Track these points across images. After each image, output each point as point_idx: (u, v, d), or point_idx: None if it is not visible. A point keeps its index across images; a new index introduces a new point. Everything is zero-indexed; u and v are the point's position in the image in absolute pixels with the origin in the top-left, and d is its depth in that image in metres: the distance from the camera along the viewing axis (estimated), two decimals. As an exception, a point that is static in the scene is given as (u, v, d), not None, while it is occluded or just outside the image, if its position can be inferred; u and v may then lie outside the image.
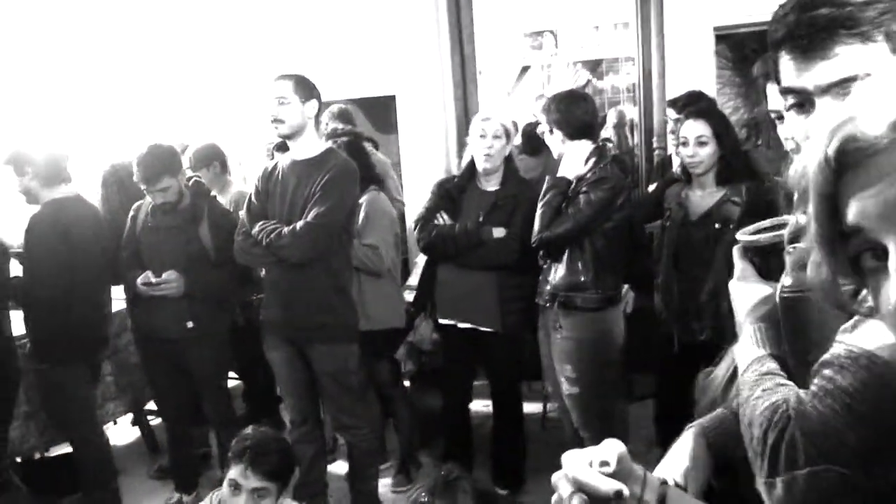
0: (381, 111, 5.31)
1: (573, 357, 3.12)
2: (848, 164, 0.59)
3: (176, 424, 3.66)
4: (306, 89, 3.03)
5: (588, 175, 3.06)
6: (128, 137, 4.73)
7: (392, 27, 5.08)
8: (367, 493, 3.35)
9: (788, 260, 0.99)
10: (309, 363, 3.14)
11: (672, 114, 3.80)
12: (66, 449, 3.74)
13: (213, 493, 2.44)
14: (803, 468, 0.83)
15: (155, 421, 4.33)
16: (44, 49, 5.21)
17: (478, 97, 5.13)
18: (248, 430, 2.39)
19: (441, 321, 3.49)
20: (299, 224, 2.94)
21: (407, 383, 4.05)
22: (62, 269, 3.20)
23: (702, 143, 2.99)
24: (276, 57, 4.93)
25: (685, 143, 3.03)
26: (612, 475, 0.75)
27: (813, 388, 0.87)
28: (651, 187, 4.08)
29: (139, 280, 3.28)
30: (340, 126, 4.08)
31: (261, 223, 3.05)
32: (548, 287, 3.14)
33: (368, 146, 3.97)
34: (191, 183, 3.54)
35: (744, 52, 4.35)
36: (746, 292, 1.13)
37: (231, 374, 4.25)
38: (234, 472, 2.26)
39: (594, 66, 6.50)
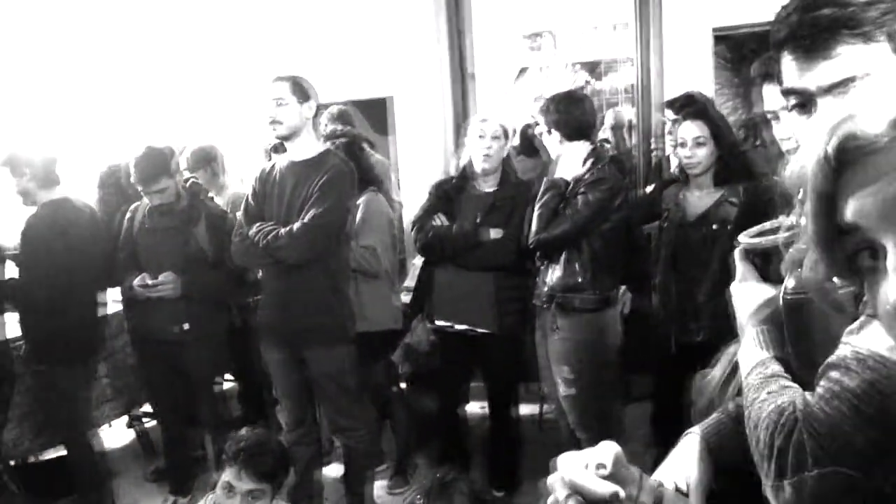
0: (377, 112, 5.30)
1: (570, 358, 3.12)
2: (848, 162, 0.58)
3: (171, 426, 3.65)
4: (304, 90, 3.03)
5: (586, 176, 3.05)
6: (125, 139, 4.71)
7: (389, 28, 5.07)
8: (363, 494, 3.34)
9: (785, 260, 0.99)
10: (305, 365, 3.13)
11: (670, 114, 3.79)
12: (60, 452, 3.73)
13: (208, 495, 2.42)
14: (811, 470, 0.83)
15: (150, 423, 4.32)
16: (41, 50, 5.20)
17: (475, 99, 5.14)
18: (242, 431, 2.38)
19: (438, 323, 3.49)
20: (296, 225, 2.94)
21: (403, 385, 4.04)
22: (59, 271, 3.19)
23: (699, 144, 2.99)
24: (273, 58, 4.92)
25: (683, 144, 3.03)
26: (608, 477, 0.75)
27: (819, 389, 0.87)
28: (649, 188, 4.08)
29: (136, 282, 3.28)
30: (339, 127, 4.07)
31: (258, 224, 3.04)
32: (545, 288, 3.13)
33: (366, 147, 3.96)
34: (188, 184, 3.53)
35: (742, 52, 4.34)
36: (748, 295, 1.12)
37: (227, 375, 4.25)
38: (228, 475, 2.25)
39: (592, 67, 6.49)
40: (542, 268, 3.17)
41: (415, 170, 5.07)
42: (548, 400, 3.71)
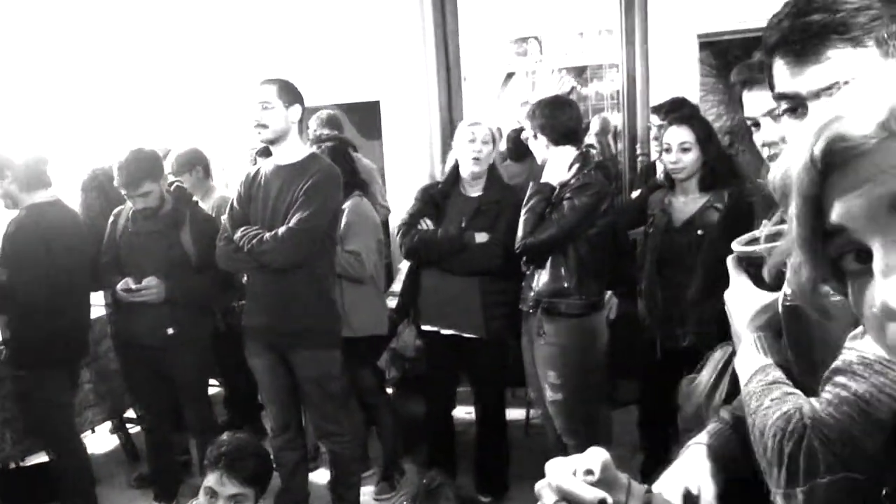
0: (365, 116, 5.29)
1: (557, 363, 3.12)
2: (835, 164, 0.58)
3: (156, 432, 3.62)
4: (290, 94, 3.01)
5: (572, 181, 3.06)
6: (109, 142, 4.69)
7: (377, 32, 5.07)
8: (349, 500, 3.32)
9: (768, 262, 0.99)
10: (291, 370, 3.11)
11: (656, 120, 3.82)
12: (42, 458, 3.68)
13: (193, 501, 2.41)
14: (823, 477, 0.83)
15: (134, 429, 4.28)
16: (25, 53, 5.16)
17: (462, 103, 5.14)
18: (224, 436, 2.37)
19: (424, 327, 3.48)
20: (281, 230, 2.92)
21: (390, 390, 4.03)
22: (42, 275, 3.16)
23: (685, 150, 3.00)
24: (260, 61, 4.91)
25: (668, 150, 3.04)
26: (597, 484, 0.74)
27: (826, 395, 0.87)
28: (635, 193, 4.09)
29: (119, 286, 3.25)
30: (326, 132, 4.07)
31: (243, 228, 3.02)
32: (531, 293, 3.14)
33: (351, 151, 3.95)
34: (173, 188, 3.51)
35: (727, 59, 4.37)
36: (744, 302, 1.12)
37: (212, 380, 4.22)
38: (210, 480, 2.24)
39: (579, 73, 6.54)
40: (529, 273, 3.18)
41: (402, 174, 5.07)
42: (535, 405, 3.71)
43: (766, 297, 1.08)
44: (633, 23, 4.59)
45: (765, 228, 1.13)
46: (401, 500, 3.67)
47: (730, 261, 1.16)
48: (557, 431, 3.24)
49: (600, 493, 0.73)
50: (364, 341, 3.50)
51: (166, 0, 5.36)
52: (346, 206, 3.40)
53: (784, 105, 1.04)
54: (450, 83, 5.07)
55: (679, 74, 4.45)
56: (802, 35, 0.98)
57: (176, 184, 3.60)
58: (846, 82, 0.96)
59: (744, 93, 1.57)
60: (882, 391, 0.81)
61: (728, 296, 1.16)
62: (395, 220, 4.12)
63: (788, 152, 0.63)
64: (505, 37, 6.28)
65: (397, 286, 3.89)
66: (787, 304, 1.00)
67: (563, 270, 3.06)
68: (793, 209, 0.61)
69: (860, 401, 0.82)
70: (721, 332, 1.64)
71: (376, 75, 5.14)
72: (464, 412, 3.94)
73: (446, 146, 4.58)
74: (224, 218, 3.19)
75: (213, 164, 4.40)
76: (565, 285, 3.06)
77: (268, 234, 2.94)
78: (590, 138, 5.69)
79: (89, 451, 3.68)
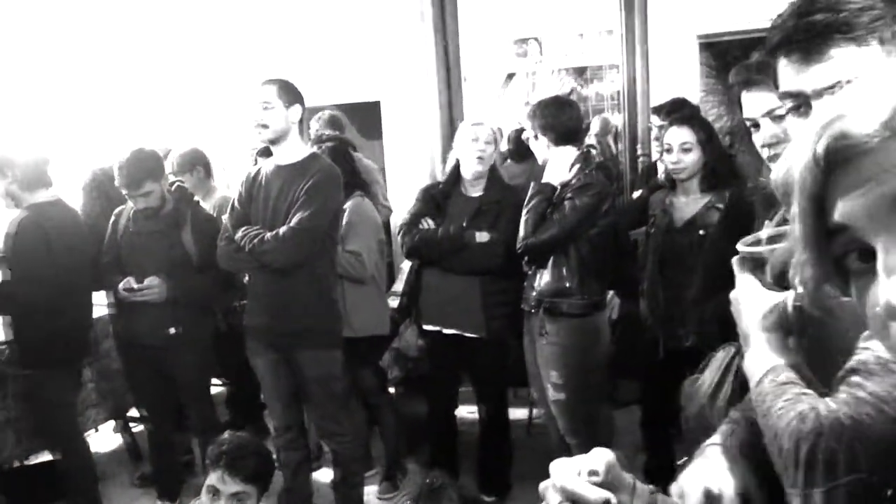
0: (366, 117, 5.30)
1: (559, 363, 3.12)
2: (837, 162, 0.58)
3: (158, 431, 3.62)
4: (290, 94, 3.02)
5: (573, 181, 3.06)
6: (110, 141, 4.69)
7: (377, 33, 5.07)
8: (352, 500, 3.32)
9: (770, 262, 0.99)
10: (293, 369, 3.11)
11: (656, 121, 3.82)
12: (45, 457, 3.69)
13: (195, 500, 2.41)
14: (843, 477, 0.83)
15: (137, 428, 4.28)
16: (26, 52, 5.16)
17: (463, 104, 5.14)
18: (225, 435, 2.38)
19: (426, 327, 3.48)
20: (282, 229, 2.92)
21: (392, 390, 4.03)
22: (44, 274, 3.16)
23: (686, 150, 3.00)
24: (260, 62, 4.91)
25: (669, 150, 3.04)
26: (601, 484, 0.74)
27: (842, 395, 0.87)
28: (636, 194, 4.10)
29: (121, 286, 3.25)
30: (327, 132, 4.07)
31: (244, 228, 3.02)
32: (533, 293, 3.14)
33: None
34: (174, 188, 3.50)
35: (727, 59, 4.38)
36: (753, 302, 1.12)
37: (214, 380, 4.22)
38: (212, 479, 2.25)
39: (579, 74, 6.54)
40: (531, 273, 3.18)
41: (402, 174, 5.07)
42: (537, 405, 3.71)
43: (775, 297, 1.08)
44: (633, 24, 4.59)
45: (767, 229, 1.13)
46: (403, 499, 3.67)
47: (735, 261, 1.16)
48: (560, 431, 3.25)
49: (605, 494, 0.73)
50: (365, 341, 3.50)
51: (168, 1, 5.36)
52: (347, 206, 3.40)
53: (788, 104, 1.05)
54: (450, 84, 5.07)
55: (679, 75, 4.46)
56: (806, 34, 1.00)
57: (177, 184, 3.61)
58: (849, 81, 0.98)
59: (742, 94, 1.57)
60: None
61: (734, 296, 1.16)
62: (397, 220, 4.12)
63: (791, 151, 0.63)
64: (505, 37, 6.28)
65: (399, 286, 3.89)
66: (798, 303, 1.00)
67: (564, 270, 3.06)
68: (795, 208, 0.61)
69: (878, 400, 0.82)
70: (723, 332, 1.64)
71: (377, 76, 5.15)
72: (466, 412, 3.95)
73: (447, 146, 4.58)
74: (225, 218, 3.19)
75: (214, 164, 4.40)
76: (567, 285, 3.06)
77: (269, 234, 2.94)
78: (590, 139, 5.69)
79: (93, 450, 3.68)
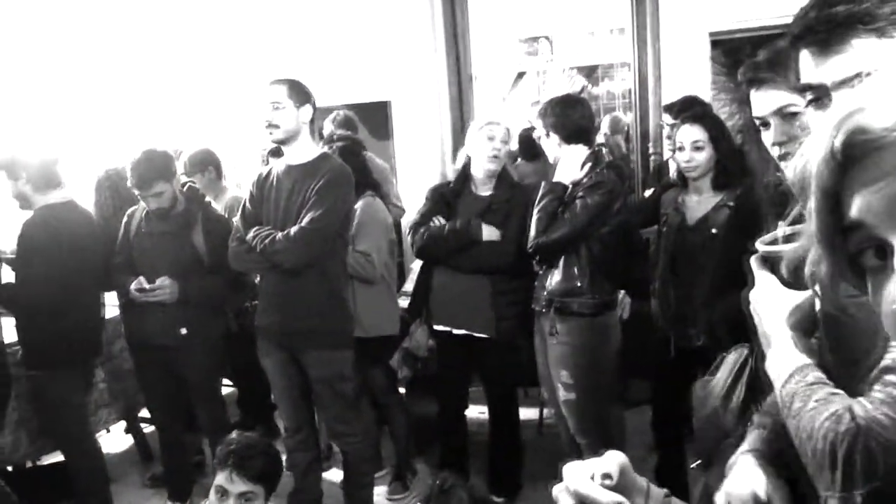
0: (376, 116, 5.30)
1: (569, 363, 3.11)
2: (855, 156, 0.57)
3: (169, 432, 3.63)
4: (301, 94, 3.02)
5: (584, 180, 3.05)
6: (122, 142, 4.71)
7: (388, 32, 5.08)
8: (362, 500, 3.32)
9: (786, 258, 0.98)
10: (303, 370, 3.11)
11: (668, 119, 3.80)
12: (57, 457, 3.70)
13: (204, 501, 2.41)
14: (883, 478, 0.81)
15: (148, 428, 4.30)
16: (38, 53, 5.20)
17: (473, 103, 5.14)
18: (233, 435, 2.38)
19: (436, 327, 3.48)
20: (293, 229, 2.92)
21: (402, 390, 4.03)
22: (56, 275, 3.17)
23: (698, 148, 2.98)
24: (271, 62, 4.92)
25: (681, 149, 3.02)
26: (614, 488, 0.73)
27: (877, 394, 0.85)
28: (647, 192, 4.07)
29: (132, 286, 3.26)
30: (339, 132, 4.07)
31: (255, 229, 3.03)
32: (544, 292, 3.12)
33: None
34: (185, 188, 3.51)
35: (738, 57, 4.34)
36: (775, 301, 1.10)
37: (225, 381, 4.23)
38: (219, 479, 2.25)
39: (590, 72, 6.51)
40: (542, 272, 3.17)
41: (412, 173, 5.07)
42: (548, 405, 3.70)
43: (798, 296, 1.06)
44: (644, 22, 4.58)
45: (784, 227, 1.12)
46: (413, 500, 3.67)
47: (753, 260, 1.15)
48: (571, 431, 3.23)
49: (618, 498, 0.72)
50: (376, 341, 3.50)
51: (179, 1, 5.38)
52: (358, 206, 3.40)
53: (808, 96, 1.05)
54: (460, 83, 5.07)
55: (690, 73, 4.43)
56: (828, 25, 0.99)
57: (188, 184, 3.62)
58: (870, 73, 0.97)
59: (751, 92, 1.55)
60: None
61: (752, 296, 1.14)
62: (407, 220, 4.12)
63: (808, 145, 0.62)
64: (515, 36, 6.26)
65: (410, 286, 3.89)
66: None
67: (575, 270, 3.05)
68: (812, 204, 0.60)
69: None
70: (734, 332, 1.62)
71: (387, 75, 5.15)
72: (477, 412, 3.94)
73: (457, 145, 4.58)
74: (236, 218, 3.20)
75: (225, 165, 4.42)
76: (578, 284, 3.05)
77: (280, 234, 2.95)
78: (600, 138, 5.66)
79: (104, 450, 3.69)
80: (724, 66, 4.63)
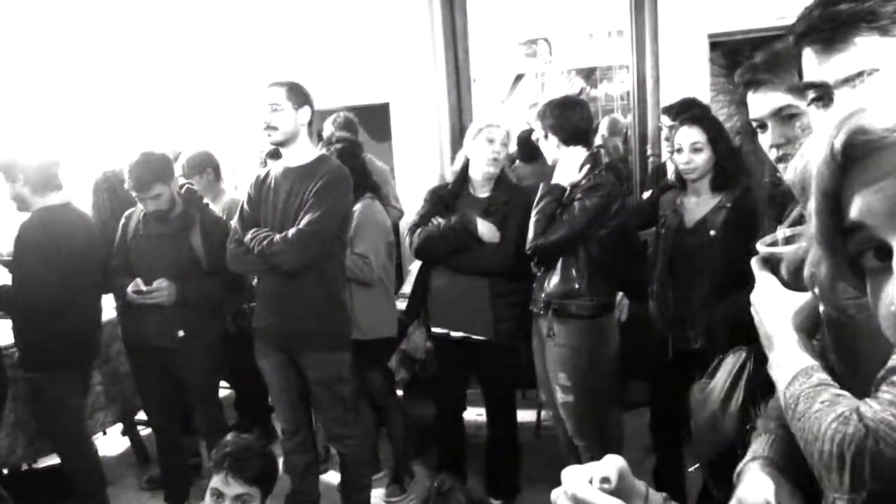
0: (375, 119, 5.30)
1: (567, 365, 3.10)
2: (856, 157, 0.56)
3: (166, 434, 3.62)
4: (299, 96, 3.02)
5: (583, 182, 3.05)
6: (120, 144, 4.71)
7: (386, 35, 5.08)
8: (359, 503, 3.31)
9: (786, 259, 0.98)
10: (301, 372, 3.11)
11: (666, 121, 3.80)
12: (54, 460, 3.69)
13: (201, 503, 2.41)
14: (892, 479, 0.81)
15: (145, 431, 4.29)
16: (36, 55, 5.19)
17: (472, 105, 5.14)
18: (228, 437, 2.38)
19: (434, 329, 3.47)
20: (291, 231, 2.92)
21: (400, 392, 4.02)
22: (53, 277, 3.17)
23: (696, 150, 2.98)
24: (269, 64, 4.92)
25: (680, 150, 3.02)
26: (613, 492, 0.73)
27: (885, 395, 0.85)
28: (646, 194, 4.07)
29: (130, 288, 3.25)
30: (339, 134, 4.07)
31: (253, 231, 3.02)
32: (542, 294, 3.12)
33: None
34: (183, 190, 3.51)
35: (737, 59, 4.35)
36: (778, 303, 1.10)
37: (222, 383, 4.22)
38: (215, 481, 2.25)
39: (588, 74, 6.52)
40: (540, 274, 3.16)
41: (412, 175, 5.07)
42: (545, 407, 3.69)
43: (800, 297, 1.06)
44: (643, 23, 4.58)
45: (785, 229, 1.12)
46: (411, 502, 3.66)
47: (754, 262, 1.14)
48: (569, 433, 3.23)
49: (617, 502, 0.72)
50: (373, 343, 3.49)
51: (177, 3, 5.38)
52: (357, 208, 3.40)
53: (810, 95, 1.05)
54: (459, 85, 5.07)
55: (689, 75, 4.43)
56: (831, 23, 1.00)
57: (186, 186, 3.61)
58: (872, 72, 0.97)
59: (748, 94, 1.55)
60: None
61: (754, 297, 1.14)
62: (406, 222, 4.11)
63: (809, 145, 0.62)
64: (514, 38, 6.27)
65: (408, 288, 3.89)
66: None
67: (573, 272, 3.05)
68: (812, 205, 0.60)
69: None
70: (731, 334, 1.62)
71: (386, 78, 5.15)
72: (475, 414, 3.94)
73: (456, 148, 4.58)
74: (234, 220, 3.19)
75: (223, 167, 4.41)
76: (576, 286, 3.04)
77: (278, 236, 2.94)
78: (599, 139, 5.67)
79: (100, 452, 3.69)
80: (722, 68, 4.64)
